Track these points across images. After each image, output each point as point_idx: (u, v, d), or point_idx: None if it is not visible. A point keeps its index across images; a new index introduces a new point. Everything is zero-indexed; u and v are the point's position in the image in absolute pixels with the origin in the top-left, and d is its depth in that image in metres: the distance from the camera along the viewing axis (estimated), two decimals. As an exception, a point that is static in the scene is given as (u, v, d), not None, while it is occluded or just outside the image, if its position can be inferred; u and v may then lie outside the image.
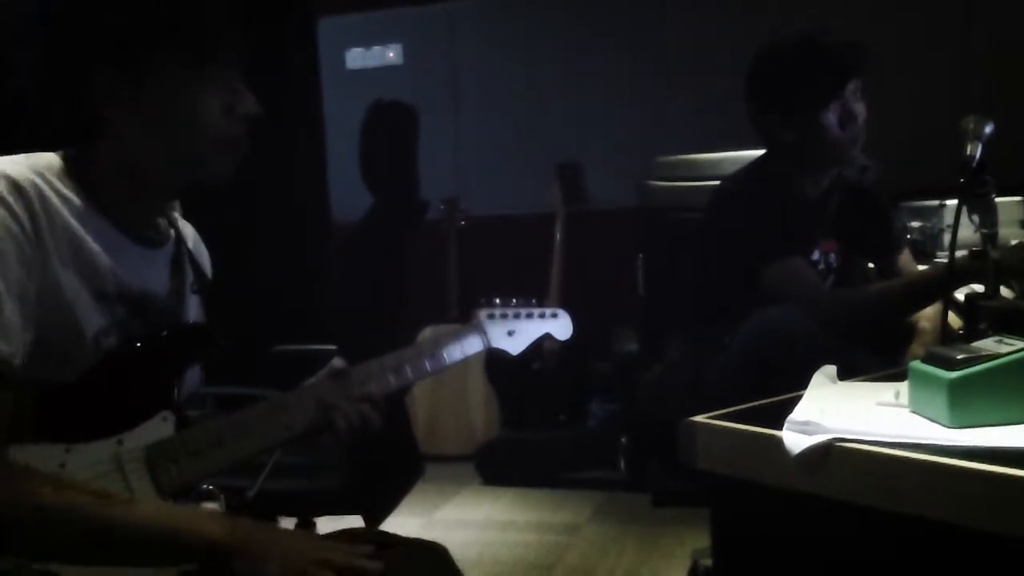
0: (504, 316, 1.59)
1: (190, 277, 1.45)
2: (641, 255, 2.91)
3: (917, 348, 2.11)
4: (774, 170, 2.28)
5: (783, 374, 1.46)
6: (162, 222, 1.43)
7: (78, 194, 1.29)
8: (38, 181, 1.24)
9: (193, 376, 1.44)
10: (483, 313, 1.59)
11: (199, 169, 1.35)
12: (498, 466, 4.12)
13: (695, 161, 2.87)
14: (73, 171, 1.30)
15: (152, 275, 1.38)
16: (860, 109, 2.18)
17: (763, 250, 2.15)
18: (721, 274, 2.26)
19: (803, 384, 1.36)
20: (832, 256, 2.34)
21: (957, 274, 1.69)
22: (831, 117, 2.15)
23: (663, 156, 2.94)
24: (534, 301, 1.65)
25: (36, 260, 1.21)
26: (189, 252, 1.46)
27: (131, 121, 1.30)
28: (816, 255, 2.30)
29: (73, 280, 1.25)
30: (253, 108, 1.35)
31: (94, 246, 1.28)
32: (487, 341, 1.56)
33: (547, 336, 1.65)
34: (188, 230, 1.51)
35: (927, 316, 2.18)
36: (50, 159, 1.30)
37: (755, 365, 1.89)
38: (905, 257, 2.43)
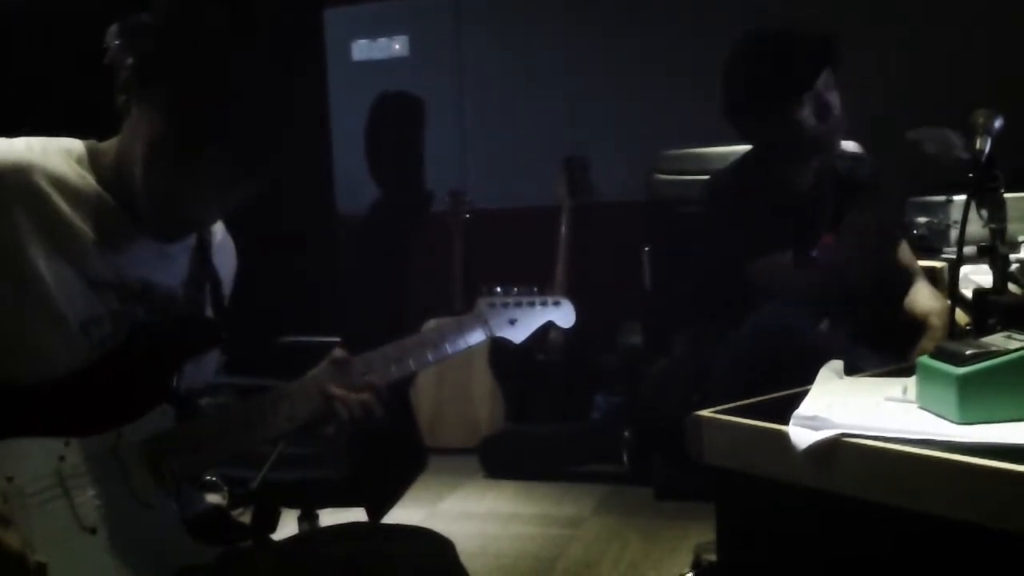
0: (505, 305, 1.57)
1: (207, 271, 1.44)
2: (647, 248, 2.90)
3: (924, 344, 2.10)
4: (758, 164, 2.28)
5: (788, 368, 1.45)
6: None
7: (98, 181, 1.29)
8: (27, 166, 1.24)
9: (202, 368, 1.43)
10: (484, 302, 1.56)
11: None
12: (502, 459, 4.11)
13: (702, 155, 2.86)
14: (91, 158, 1.31)
15: (165, 267, 1.37)
16: (834, 98, 2.16)
17: (749, 242, 2.14)
18: (721, 267, 2.25)
19: (809, 379, 1.35)
20: (831, 250, 2.32)
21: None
22: (805, 111, 2.14)
23: (670, 149, 2.93)
24: (535, 289, 1.63)
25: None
26: (207, 247, 1.45)
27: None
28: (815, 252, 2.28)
29: (57, 266, 1.25)
30: None
31: (90, 233, 1.28)
32: (489, 330, 1.54)
33: (550, 325, 1.64)
34: (216, 225, 1.48)
35: (934, 312, 2.17)
36: (70, 145, 1.31)
37: (760, 359, 1.89)
38: (903, 250, 2.41)
